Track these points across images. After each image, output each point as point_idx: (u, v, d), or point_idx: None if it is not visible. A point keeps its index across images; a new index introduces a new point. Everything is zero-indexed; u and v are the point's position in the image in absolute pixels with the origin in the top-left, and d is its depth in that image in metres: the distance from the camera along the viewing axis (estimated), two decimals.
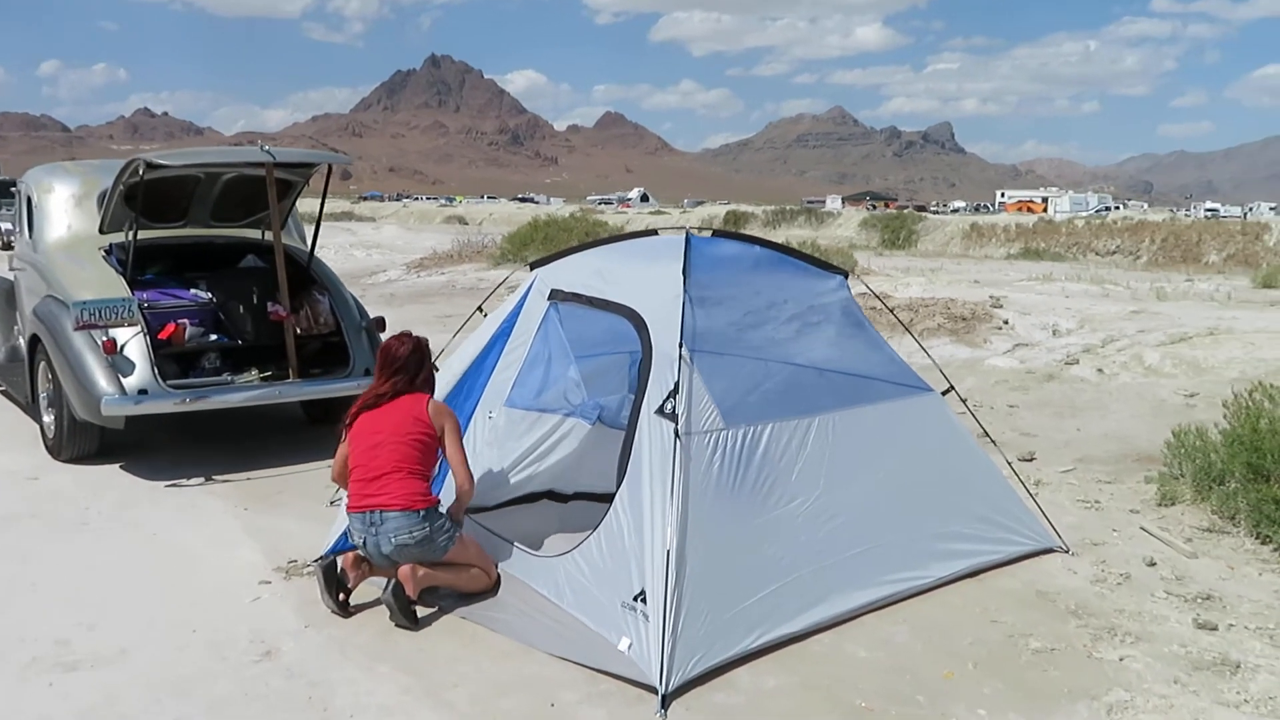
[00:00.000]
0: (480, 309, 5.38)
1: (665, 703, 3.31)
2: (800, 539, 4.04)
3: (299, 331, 6.29)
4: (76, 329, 5.64)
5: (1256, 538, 4.92)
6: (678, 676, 3.40)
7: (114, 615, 4.00)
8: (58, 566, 4.53)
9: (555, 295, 4.81)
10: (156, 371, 5.71)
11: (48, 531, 4.99)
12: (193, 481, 5.86)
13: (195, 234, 6.79)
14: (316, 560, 4.45)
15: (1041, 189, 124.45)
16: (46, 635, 3.81)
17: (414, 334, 4.40)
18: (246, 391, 5.96)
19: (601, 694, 3.41)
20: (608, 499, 5.00)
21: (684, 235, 4.77)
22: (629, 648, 3.55)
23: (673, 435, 3.82)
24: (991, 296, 12.38)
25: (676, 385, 3.94)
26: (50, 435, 6.19)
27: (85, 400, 5.63)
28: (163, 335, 6.00)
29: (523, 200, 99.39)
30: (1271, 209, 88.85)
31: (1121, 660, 3.73)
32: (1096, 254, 33.39)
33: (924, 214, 49.31)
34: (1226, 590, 4.38)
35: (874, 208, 64.81)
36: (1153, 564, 4.66)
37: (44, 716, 3.25)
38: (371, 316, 6.73)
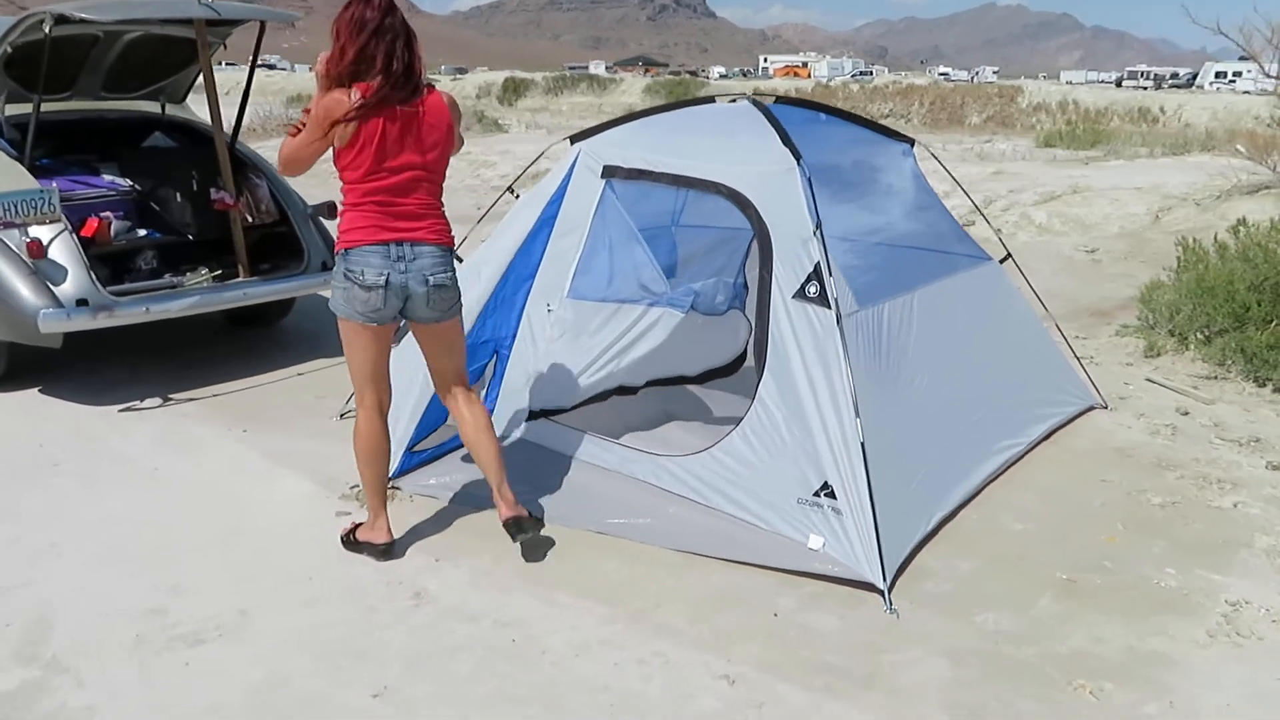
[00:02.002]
0: (511, 189, 4.81)
1: (886, 599, 3.18)
2: (930, 418, 3.95)
3: (248, 222, 5.41)
4: None
5: (1254, 380, 5.33)
6: (891, 571, 3.27)
7: (190, 572, 3.36)
8: (63, 521, 3.74)
9: (611, 172, 4.35)
10: (94, 276, 4.75)
11: (17, 482, 4.11)
12: (149, 403, 5.01)
13: (83, 108, 5.62)
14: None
15: (787, 54, 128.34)
16: (131, 607, 3.14)
17: None
18: (207, 295, 5.09)
19: (813, 597, 3.23)
20: (677, 382, 4.80)
21: (753, 102, 4.44)
22: (823, 546, 3.37)
23: (832, 320, 3.57)
24: None
25: (817, 267, 3.67)
26: None
27: (11, 317, 4.61)
28: (85, 233, 4.98)
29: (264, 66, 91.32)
30: (994, 73, 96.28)
31: (1236, 506, 3.95)
32: (870, 117, 34.99)
33: (705, 79, 49.62)
34: (1263, 432, 4.72)
35: (646, 72, 64.51)
36: (1186, 413, 4.96)
37: (215, 705, 2.68)
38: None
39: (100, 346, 5.69)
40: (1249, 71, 57.55)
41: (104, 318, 4.69)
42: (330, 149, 3.17)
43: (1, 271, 4.60)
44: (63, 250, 4.69)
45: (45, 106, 5.41)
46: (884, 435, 3.58)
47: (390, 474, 3.96)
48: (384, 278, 3.20)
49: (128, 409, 4.93)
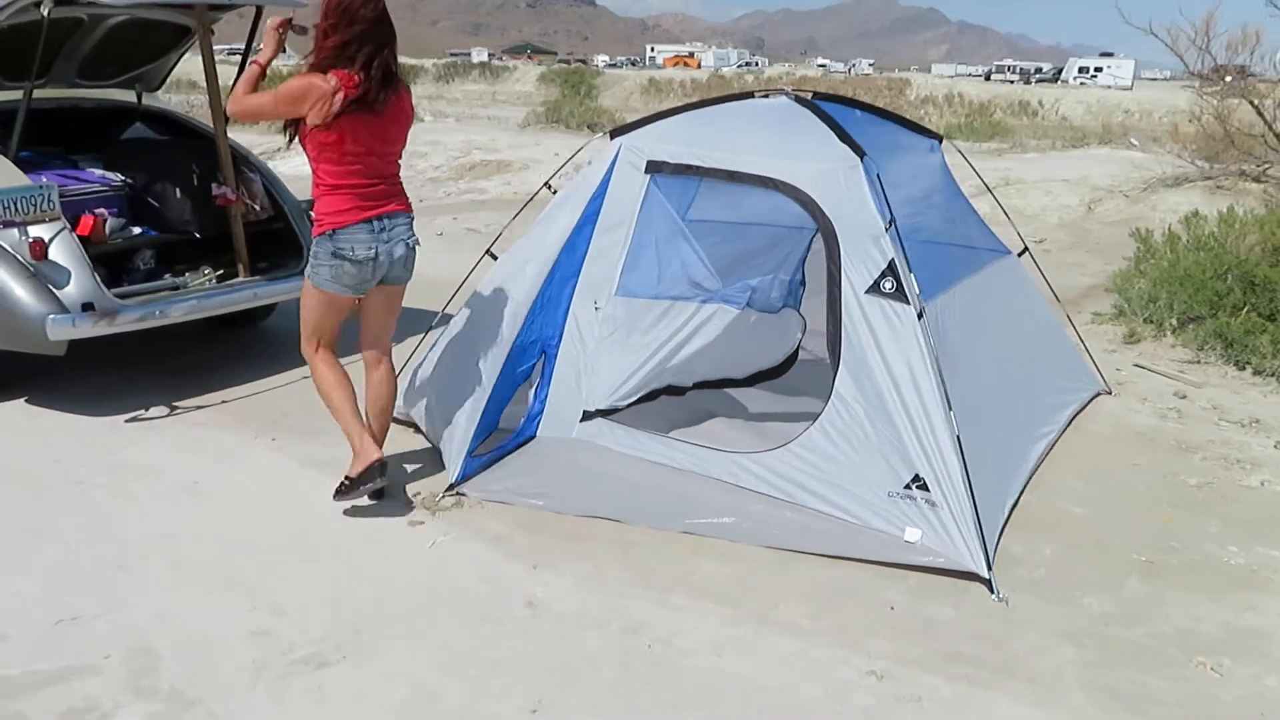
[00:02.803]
0: (548, 185, 4.72)
1: (993, 588, 3.27)
2: (988, 407, 4.06)
3: (249, 218, 5.15)
4: None
5: (1234, 364, 5.67)
6: (992, 559, 3.36)
7: (278, 590, 3.20)
8: (115, 541, 3.51)
9: (655, 167, 4.32)
10: (98, 278, 4.46)
11: (46, 500, 3.84)
12: (154, 412, 4.73)
13: (56, 96, 5.25)
14: (449, 490, 3.85)
15: (666, 43, 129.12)
16: (231, 630, 2.98)
17: None
18: (217, 296, 4.83)
19: (919, 589, 3.30)
20: (725, 385, 4.80)
21: (794, 98, 4.48)
22: (920, 538, 3.44)
23: (912, 315, 3.65)
24: None
25: (891, 263, 3.74)
26: None
27: (13, 324, 4.28)
28: (80, 232, 4.65)
29: None
30: (870, 65, 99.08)
31: (1264, 485, 4.21)
32: None
33: (598, 69, 49.50)
34: (1260, 414, 5.03)
35: (530, 59, 63.93)
36: (1183, 397, 5.24)
37: None
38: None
39: (82, 353, 5.34)
40: (1109, 67, 60.98)
41: (112, 323, 4.41)
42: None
43: (1, 275, 4.27)
44: (64, 251, 4.38)
45: (11, 96, 5.05)
46: (964, 428, 3.68)
47: (453, 480, 3.89)
48: (373, 251, 3.51)
49: (134, 418, 4.65)
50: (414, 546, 3.51)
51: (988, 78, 63.22)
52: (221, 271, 5.05)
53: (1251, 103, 8.74)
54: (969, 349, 4.14)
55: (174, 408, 4.79)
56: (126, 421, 4.62)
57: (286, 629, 2.99)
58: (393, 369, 3.90)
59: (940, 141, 4.85)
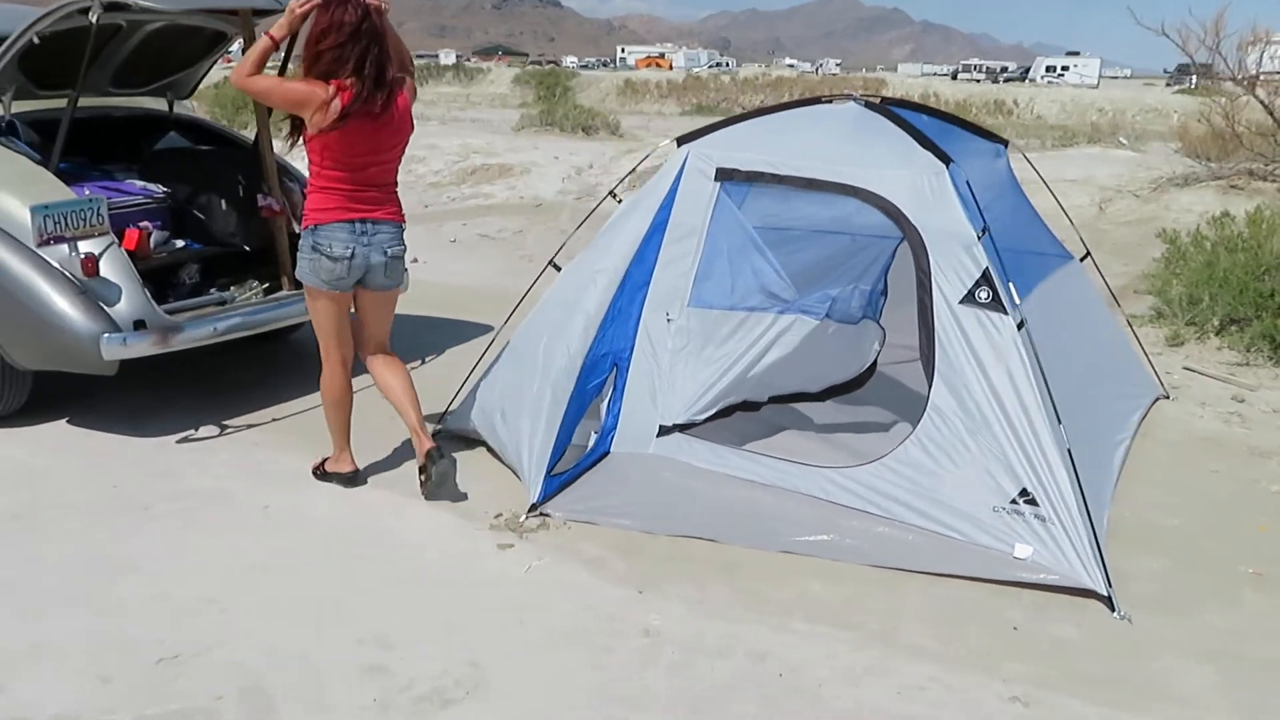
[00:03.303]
0: (613, 194, 4.61)
1: (1113, 605, 3.20)
2: (1076, 416, 4.00)
3: (293, 230, 4.99)
4: (40, 244, 4.04)
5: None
6: (1108, 573, 3.30)
7: (383, 622, 3.07)
8: (197, 572, 3.36)
9: (725, 175, 4.22)
10: (148, 294, 4.29)
11: (113, 527, 3.67)
12: (204, 432, 4.57)
13: (88, 105, 5.05)
14: (532, 510, 3.74)
15: (632, 44, 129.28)
16: (341, 665, 2.85)
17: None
18: (270, 311, 4.66)
19: (1037, 607, 3.22)
20: (798, 400, 4.70)
21: (863, 102, 4.40)
22: (1030, 555, 3.37)
23: (1011, 326, 3.58)
24: None
25: (986, 272, 3.67)
26: None
27: (64, 344, 4.10)
28: (126, 246, 4.47)
29: None
30: (837, 64, 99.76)
31: None
32: (743, 108, 35.50)
33: (573, 70, 49.32)
34: None
35: (499, 60, 63.61)
36: (1241, 400, 5.22)
37: None
38: None
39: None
40: (1075, 66, 61.71)
41: (168, 341, 4.24)
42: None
43: (50, 293, 4.09)
44: (114, 266, 4.21)
45: (45, 104, 4.88)
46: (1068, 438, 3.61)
47: (534, 500, 3.77)
48: (350, 250, 3.67)
49: (185, 439, 4.48)
50: (510, 572, 3.39)
51: (954, 77, 63.81)
52: (267, 285, 4.88)
53: (1262, 102, 8.79)
54: (1054, 356, 4.08)
55: (224, 427, 4.62)
56: (178, 443, 4.45)
57: (399, 664, 2.86)
58: (392, 360, 4.00)
59: (1005, 146, 4.80)
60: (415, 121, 3.84)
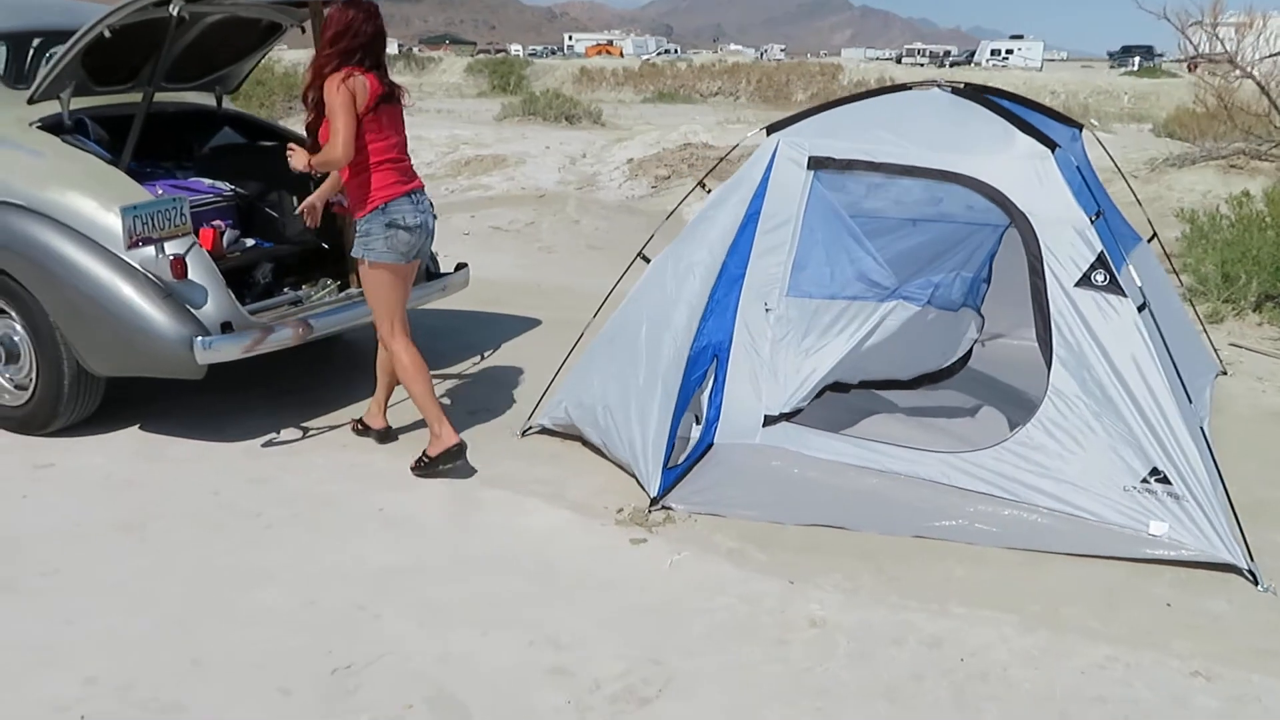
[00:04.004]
0: (702, 184, 4.57)
1: (1257, 578, 3.26)
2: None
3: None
4: (130, 246, 3.89)
5: None
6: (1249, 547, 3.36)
7: (546, 623, 3.01)
8: (334, 578, 3.27)
9: (818, 163, 4.21)
10: (232, 295, 4.17)
11: (230, 537, 3.57)
12: (287, 435, 4.46)
13: (134, 101, 4.87)
14: (654, 504, 3.71)
15: (577, 31, 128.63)
16: (520, 668, 2.80)
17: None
18: (352, 310, 4.55)
19: (1181, 583, 3.28)
20: (889, 387, 4.71)
21: (949, 88, 4.42)
22: (1166, 532, 3.42)
23: (1130, 308, 3.62)
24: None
25: (1101, 255, 3.71)
26: (24, 401, 4.31)
27: (154, 348, 3.96)
28: (202, 245, 4.33)
29: None
30: (782, 50, 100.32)
31: None
32: (701, 95, 35.50)
33: (527, 59, 48.94)
34: None
35: (447, 49, 62.89)
36: None
37: None
38: None
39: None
40: (1019, 49, 62.69)
41: (263, 343, 4.12)
42: None
43: (137, 298, 3.95)
44: (199, 267, 4.07)
45: (102, 100, 4.70)
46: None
47: (654, 494, 3.74)
48: (419, 220, 3.93)
49: (270, 443, 4.37)
50: (653, 566, 3.35)
51: (898, 61, 64.44)
52: (340, 282, 4.77)
53: (1259, 83, 9.00)
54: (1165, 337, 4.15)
55: (305, 430, 4.51)
56: (263, 446, 4.33)
57: (580, 664, 2.82)
58: (410, 344, 4.09)
59: (1080, 130, 4.85)
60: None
